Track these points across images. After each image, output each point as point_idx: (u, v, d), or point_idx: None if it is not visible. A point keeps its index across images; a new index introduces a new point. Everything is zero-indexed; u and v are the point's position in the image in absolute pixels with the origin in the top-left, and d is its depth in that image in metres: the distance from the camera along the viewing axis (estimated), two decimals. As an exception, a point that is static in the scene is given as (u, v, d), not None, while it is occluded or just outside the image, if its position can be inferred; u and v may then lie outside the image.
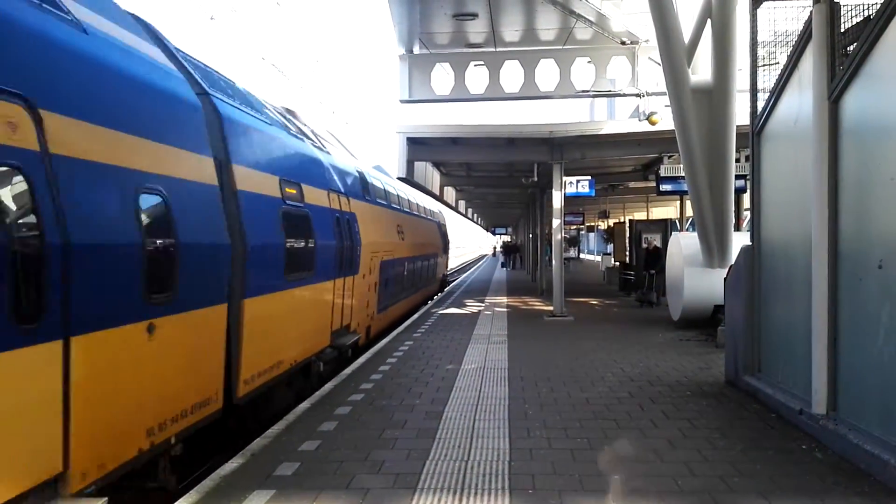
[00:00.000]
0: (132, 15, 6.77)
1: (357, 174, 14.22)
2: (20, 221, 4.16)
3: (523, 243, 44.90)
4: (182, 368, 6.15)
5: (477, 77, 15.36)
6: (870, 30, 5.71)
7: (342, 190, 12.08)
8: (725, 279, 9.84)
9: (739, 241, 10.79)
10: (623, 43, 14.22)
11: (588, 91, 15.16)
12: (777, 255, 8.04)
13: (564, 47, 14.86)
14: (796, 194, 7.20)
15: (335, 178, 11.85)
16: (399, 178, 17.34)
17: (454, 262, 57.19)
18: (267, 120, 9.26)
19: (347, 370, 10.19)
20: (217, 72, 8.76)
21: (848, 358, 6.12)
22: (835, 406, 6.31)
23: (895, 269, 5.28)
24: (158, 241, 5.67)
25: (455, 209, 34.25)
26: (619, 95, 15.43)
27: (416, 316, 17.60)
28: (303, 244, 9.32)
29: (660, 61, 10.41)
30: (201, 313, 6.43)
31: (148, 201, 5.58)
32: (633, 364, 10.45)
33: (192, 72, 7.34)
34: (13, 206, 4.09)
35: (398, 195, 19.64)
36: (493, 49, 14.99)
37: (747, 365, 8.57)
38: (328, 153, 12.34)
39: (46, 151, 4.34)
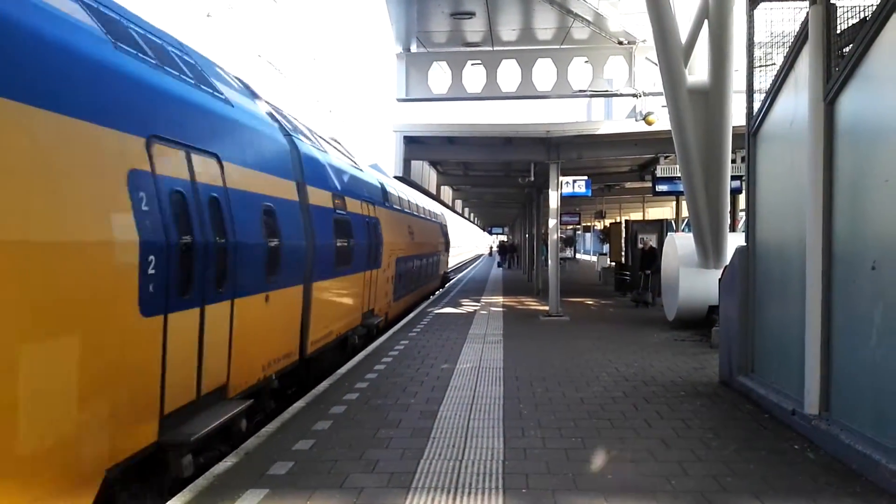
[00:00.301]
0: (241, 81, 9.58)
1: (379, 185, 17.15)
2: (216, 228, 6.63)
3: (520, 243, 45.03)
4: (280, 328, 8.92)
5: (474, 76, 15.38)
6: (865, 31, 5.72)
7: (370, 199, 14.99)
8: (720, 280, 9.87)
9: (734, 241, 10.79)
10: (620, 43, 14.26)
11: (585, 91, 15.19)
12: (771, 256, 8.06)
13: (562, 47, 14.88)
14: (791, 195, 7.22)
15: (365, 189, 14.79)
16: (396, 177, 17.33)
17: (451, 261, 58.07)
18: (322, 148, 12.16)
19: (342, 370, 10.19)
20: (291, 115, 11.77)
21: (841, 359, 6.14)
22: (827, 407, 6.33)
23: (888, 270, 5.30)
24: (271, 241, 8.19)
25: (452, 208, 34.26)
26: (616, 95, 15.49)
27: (412, 315, 17.59)
28: (345, 243, 12.01)
29: (657, 61, 10.42)
30: (291, 290, 9.20)
31: (266, 214, 8.15)
32: (627, 364, 10.47)
33: (280, 119, 10.06)
34: (212, 220, 6.58)
35: (409, 201, 22.64)
36: (490, 48, 15.00)
37: (741, 365, 8.59)
38: (360, 170, 15.57)
39: (225, 185, 6.99)
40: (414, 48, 15.19)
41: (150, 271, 5.36)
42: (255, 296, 7.72)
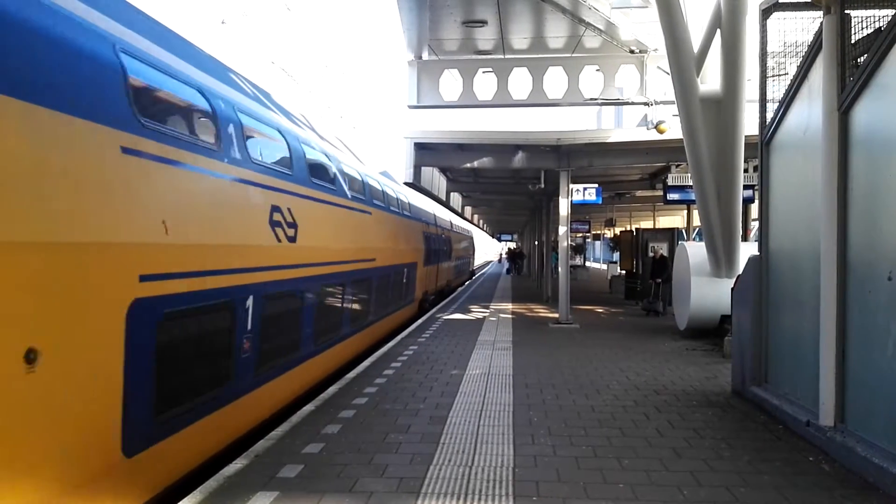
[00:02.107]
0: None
1: (432, 213, 26.21)
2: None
3: (529, 250, 45.35)
4: (425, 280, 21.85)
5: (485, 84, 15.39)
6: (880, 41, 5.70)
7: (428, 222, 24.29)
8: (732, 289, 9.81)
9: (747, 251, 10.75)
10: (632, 51, 14.24)
11: (596, 99, 15.17)
12: (785, 266, 8.01)
13: (573, 55, 14.88)
14: (805, 205, 7.18)
15: (427, 218, 24.05)
16: (406, 184, 17.39)
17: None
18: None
19: (351, 374, 10.19)
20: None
21: (856, 369, 6.09)
22: (842, 418, 6.28)
23: (904, 280, 5.26)
24: (431, 248, 19.98)
25: (461, 215, 34.29)
26: (628, 104, 15.44)
27: (421, 320, 17.57)
28: (431, 249, 22.61)
29: (668, 70, 10.39)
30: (436, 266, 24.89)
31: (437, 241, 21.42)
32: (638, 373, 10.42)
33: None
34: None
35: (461, 226, 37.11)
36: (501, 56, 15.02)
37: (754, 375, 8.53)
38: (420, 207, 23.04)
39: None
40: (426, 56, 15.23)
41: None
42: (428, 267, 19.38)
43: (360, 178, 13.55)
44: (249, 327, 7.36)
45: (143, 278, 5.28)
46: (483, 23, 13.22)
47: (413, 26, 13.60)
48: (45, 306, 4.26)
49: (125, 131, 5.20)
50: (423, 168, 18.28)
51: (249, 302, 7.31)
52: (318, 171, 10.33)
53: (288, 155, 9.11)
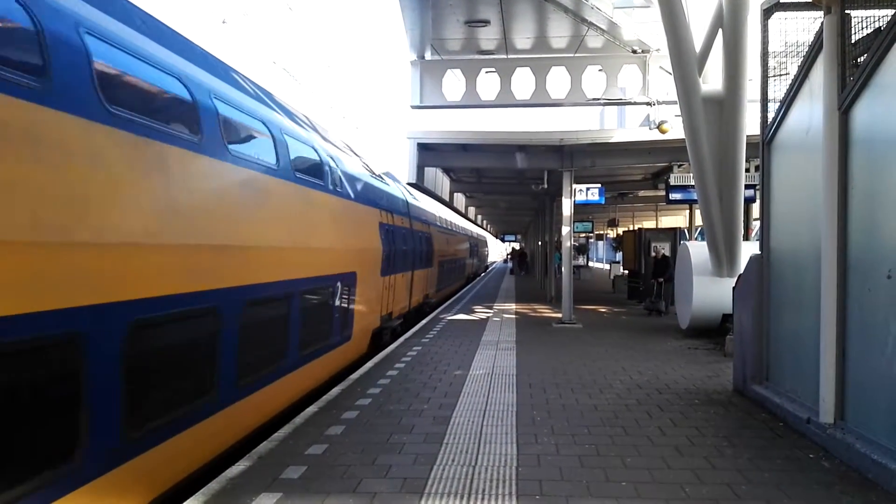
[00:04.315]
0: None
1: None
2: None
3: (533, 251, 45.49)
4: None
5: (488, 84, 15.43)
6: (880, 41, 5.73)
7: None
8: (734, 288, 9.84)
9: (748, 250, 10.78)
10: (634, 52, 14.26)
11: (599, 99, 15.20)
12: (786, 265, 8.04)
13: (576, 55, 14.92)
14: (806, 204, 7.21)
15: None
16: (409, 184, 17.42)
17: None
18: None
19: (355, 375, 10.23)
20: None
21: (856, 367, 6.12)
22: (843, 415, 6.31)
23: (904, 279, 5.29)
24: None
25: (465, 216, 34.33)
26: (630, 104, 15.47)
27: (424, 321, 17.61)
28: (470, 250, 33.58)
29: (671, 70, 10.43)
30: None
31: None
32: (641, 372, 10.45)
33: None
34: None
35: (465, 226, 40.88)
36: (504, 56, 15.06)
37: (755, 374, 8.56)
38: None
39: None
40: (428, 56, 15.27)
41: None
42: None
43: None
44: None
45: None
46: (486, 22, 13.25)
47: (416, 26, 13.64)
48: None
49: None
50: (426, 169, 18.33)
51: None
52: None
53: None
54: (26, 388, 4.12)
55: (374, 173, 15.35)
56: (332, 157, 11.18)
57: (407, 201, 19.15)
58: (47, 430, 4.33)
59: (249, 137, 7.95)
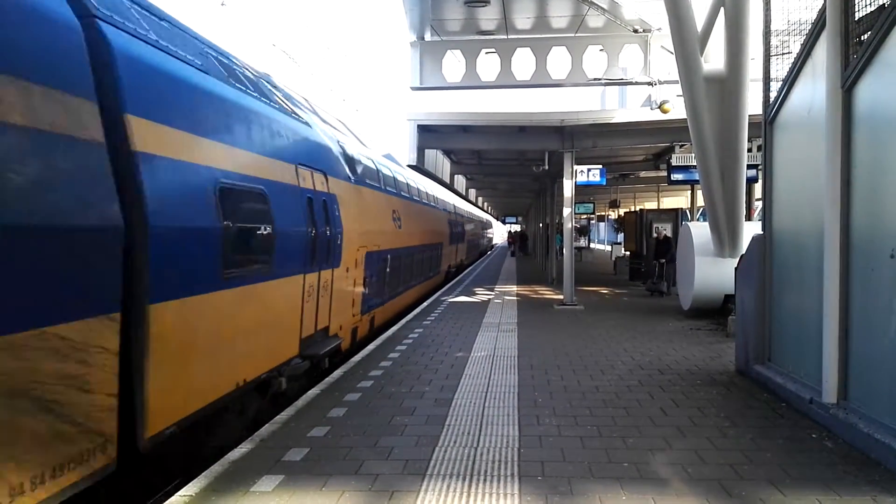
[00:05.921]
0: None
1: (451, 203, 31.66)
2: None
3: (534, 233, 45.66)
4: (455, 255, 32.54)
5: (488, 64, 15.33)
6: (884, 18, 5.66)
7: (463, 216, 35.13)
8: (736, 268, 9.82)
9: (750, 230, 10.74)
10: (635, 31, 14.15)
11: (600, 79, 15.10)
12: (788, 245, 8.01)
13: (577, 35, 14.80)
14: (808, 184, 7.17)
15: (475, 214, 41.58)
16: (409, 166, 17.34)
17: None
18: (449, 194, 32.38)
19: (356, 357, 10.25)
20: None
21: (859, 347, 6.11)
22: (845, 395, 6.31)
23: (908, 258, 5.26)
24: (453, 230, 29.56)
25: (465, 198, 34.26)
26: (632, 84, 15.37)
27: (426, 303, 17.62)
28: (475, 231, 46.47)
29: (672, 50, 10.33)
30: (456, 246, 31.56)
31: (457, 223, 32.06)
32: (643, 353, 10.46)
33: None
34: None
35: (486, 219, 58.03)
36: (504, 36, 14.94)
37: (758, 354, 8.56)
38: (461, 207, 32.87)
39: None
40: (428, 36, 15.16)
41: None
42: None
43: None
44: None
45: None
46: (485, 2, 13.14)
47: (415, 6, 13.53)
48: None
49: None
50: (426, 151, 18.23)
51: None
52: None
53: None
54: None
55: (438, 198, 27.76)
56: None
57: (455, 205, 33.05)
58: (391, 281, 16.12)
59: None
